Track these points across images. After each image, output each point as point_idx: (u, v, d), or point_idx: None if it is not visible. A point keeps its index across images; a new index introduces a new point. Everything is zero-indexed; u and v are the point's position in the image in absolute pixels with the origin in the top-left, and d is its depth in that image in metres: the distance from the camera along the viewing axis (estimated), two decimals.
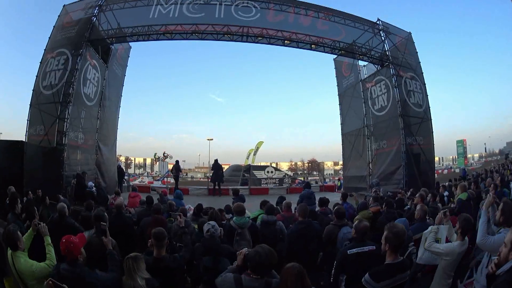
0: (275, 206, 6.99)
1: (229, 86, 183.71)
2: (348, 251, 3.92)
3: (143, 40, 15.88)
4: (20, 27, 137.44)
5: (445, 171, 51.00)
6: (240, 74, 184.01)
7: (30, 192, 8.10)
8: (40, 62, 14.13)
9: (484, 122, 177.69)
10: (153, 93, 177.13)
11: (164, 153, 32.08)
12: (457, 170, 45.29)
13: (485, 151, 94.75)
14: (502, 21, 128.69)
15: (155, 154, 31.28)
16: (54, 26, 14.86)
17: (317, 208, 8.18)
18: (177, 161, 18.67)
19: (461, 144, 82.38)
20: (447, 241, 4.37)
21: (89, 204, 6.92)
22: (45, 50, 14.37)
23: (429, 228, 4.52)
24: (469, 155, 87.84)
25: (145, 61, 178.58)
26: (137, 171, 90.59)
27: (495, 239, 3.93)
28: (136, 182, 32.39)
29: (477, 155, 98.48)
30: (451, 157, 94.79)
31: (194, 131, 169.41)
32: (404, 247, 4.45)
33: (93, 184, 12.03)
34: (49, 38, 14.66)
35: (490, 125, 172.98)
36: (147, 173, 79.87)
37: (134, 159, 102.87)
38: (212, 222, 4.74)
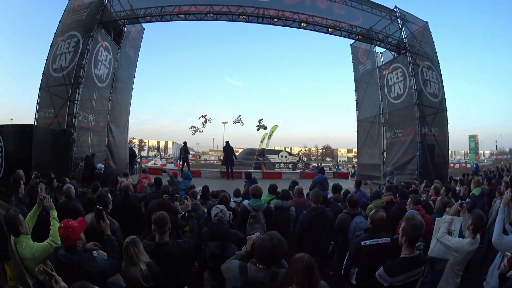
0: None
1: (246, 70, 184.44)
2: (362, 242, 3.71)
3: (156, 21, 15.62)
4: (31, 11, 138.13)
5: (457, 165, 49.95)
6: (257, 59, 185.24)
7: (35, 174, 7.67)
8: (50, 46, 13.99)
9: (496, 119, 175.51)
10: (169, 76, 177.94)
11: (204, 116, 29.79)
12: (469, 166, 44.62)
13: (496, 149, 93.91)
14: None
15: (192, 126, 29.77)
16: (64, 10, 14.65)
17: (330, 195, 8.01)
18: (185, 143, 18.39)
19: (473, 139, 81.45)
20: (461, 236, 4.14)
21: (96, 186, 6.83)
22: (55, 33, 14.21)
23: (444, 217, 4.35)
24: (480, 151, 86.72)
25: (161, 44, 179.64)
26: (150, 154, 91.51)
27: (510, 239, 3.81)
28: (149, 164, 32.70)
29: (488, 152, 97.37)
30: (463, 151, 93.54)
31: (210, 114, 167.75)
32: None
33: (103, 166, 11.86)
34: (60, 21, 14.48)
35: (503, 123, 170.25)
36: (160, 155, 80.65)
37: (148, 141, 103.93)
38: (221, 206, 4.55)
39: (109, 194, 4.97)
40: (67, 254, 3.16)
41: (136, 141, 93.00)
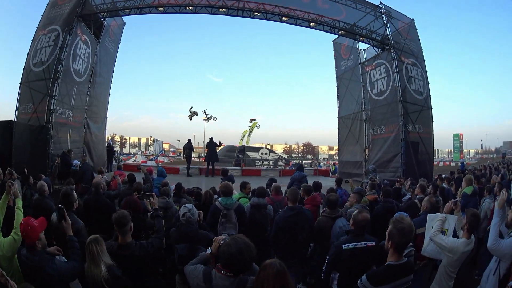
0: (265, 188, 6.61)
1: (227, 67, 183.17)
2: (343, 245, 3.43)
3: (135, 14, 15.43)
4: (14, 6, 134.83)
5: (441, 164, 50.53)
6: (238, 56, 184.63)
7: (9, 170, 7.51)
8: (32, 40, 13.90)
9: (482, 119, 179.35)
10: (150, 73, 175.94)
11: (204, 112, 30.29)
12: (453, 164, 45.17)
13: (481, 148, 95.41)
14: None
15: (191, 108, 29.68)
16: (47, 4, 14.55)
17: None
18: (189, 140, 17.83)
19: (458, 138, 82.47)
20: (454, 236, 3.95)
21: (69, 182, 6.77)
22: (37, 28, 14.11)
23: (436, 214, 4.16)
24: (464, 150, 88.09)
25: (143, 40, 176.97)
26: (131, 151, 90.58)
27: (506, 243, 3.62)
28: (130, 161, 32.23)
29: (473, 151, 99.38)
30: (446, 150, 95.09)
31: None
32: None
33: (79, 163, 11.61)
34: (42, 15, 14.38)
35: (488, 123, 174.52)
36: (141, 152, 79.79)
37: (129, 138, 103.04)
38: (189, 205, 4.24)
39: (75, 192, 4.72)
40: (28, 255, 3.02)
41: (117, 138, 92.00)
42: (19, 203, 3.88)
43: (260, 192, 5.78)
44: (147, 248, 3.48)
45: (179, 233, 4.08)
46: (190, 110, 30.98)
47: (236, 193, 6.96)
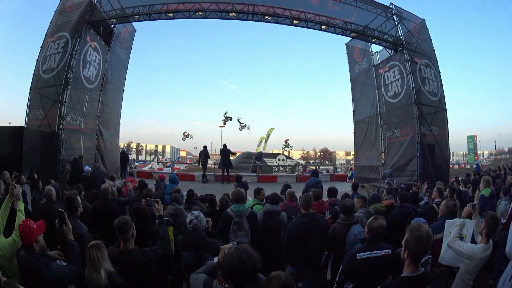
0: (279, 194, 6.50)
1: (241, 74, 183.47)
2: (357, 255, 3.23)
3: (144, 20, 15.38)
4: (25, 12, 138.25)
5: (456, 166, 49.51)
6: (252, 63, 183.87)
7: (15, 174, 7.73)
8: (41, 47, 13.96)
9: (494, 119, 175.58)
10: (166, 80, 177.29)
11: (238, 120, 31.66)
12: (468, 166, 44.26)
13: (495, 149, 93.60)
14: None
15: (226, 113, 30.68)
16: (55, 11, 14.64)
17: (326, 199, 7.51)
18: (205, 147, 17.62)
19: (472, 140, 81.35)
20: (472, 241, 3.73)
21: (78, 188, 6.87)
22: (46, 35, 14.19)
23: (454, 220, 3.94)
24: (479, 152, 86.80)
25: (158, 47, 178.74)
26: (148, 158, 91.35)
27: None
28: (146, 168, 32.49)
29: (487, 152, 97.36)
30: (461, 152, 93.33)
31: (206, 118, 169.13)
32: None
33: (90, 169, 11.56)
34: (50, 22, 14.46)
35: (501, 123, 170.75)
36: (157, 160, 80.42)
37: (146, 145, 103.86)
38: (196, 212, 4.14)
39: (79, 197, 4.71)
40: (26, 256, 3.05)
41: (133, 145, 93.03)
42: (21, 205, 4.03)
43: (274, 199, 5.58)
44: (149, 255, 3.39)
45: (186, 240, 4.00)
46: (224, 116, 31.23)
47: (251, 199, 6.88)
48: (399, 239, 2.84)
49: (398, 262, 2.90)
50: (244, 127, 32.12)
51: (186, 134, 32.72)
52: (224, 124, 31.54)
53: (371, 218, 3.47)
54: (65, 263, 3.31)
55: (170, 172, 20.20)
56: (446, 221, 3.98)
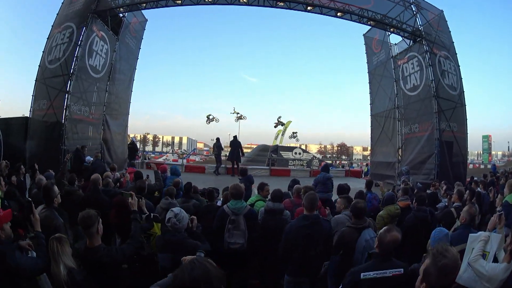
0: (287, 190, 6.16)
1: (261, 67, 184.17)
2: (361, 274, 2.62)
3: (151, 8, 14.97)
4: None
5: (471, 166, 47.63)
6: (273, 56, 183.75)
7: (6, 163, 7.81)
8: (47, 38, 14.00)
9: (509, 120, 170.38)
10: (184, 73, 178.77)
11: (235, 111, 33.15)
12: (482, 166, 42.89)
13: (508, 150, 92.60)
14: None
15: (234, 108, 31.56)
16: (62, 2, 14.65)
17: (335, 197, 6.89)
18: (217, 139, 17.67)
19: (487, 139, 79.69)
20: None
21: (72, 178, 6.83)
22: (52, 26, 14.20)
23: (478, 234, 3.19)
24: (493, 152, 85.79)
25: (174, 38, 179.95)
26: (164, 149, 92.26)
27: None
28: (160, 159, 32.70)
29: (500, 152, 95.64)
30: (476, 152, 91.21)
31: (225, 110, 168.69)
32: None
33: (92, 159, 11.47)
34: (57, 14, 14.46)
35: None
36: (173, 151, 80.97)
37: (162, 137, 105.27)
38: (177, 209, 3.71)
39: (56, 186, 4.46)
40: None
41: (150, 137, 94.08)
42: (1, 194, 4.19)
43: (276, 196, 5.00)
44: (115, 255, 3.12)
45: (163, 240, 3.70)
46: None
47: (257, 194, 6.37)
48: (414, 249, 2.24)
49: (410, 283, 2.32)
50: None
51: (210, 117, 32.26)
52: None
53: (383, 229, 2.84)
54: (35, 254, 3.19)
55: (184, 163, 20.29)
56: (470, 235, 3.27)
